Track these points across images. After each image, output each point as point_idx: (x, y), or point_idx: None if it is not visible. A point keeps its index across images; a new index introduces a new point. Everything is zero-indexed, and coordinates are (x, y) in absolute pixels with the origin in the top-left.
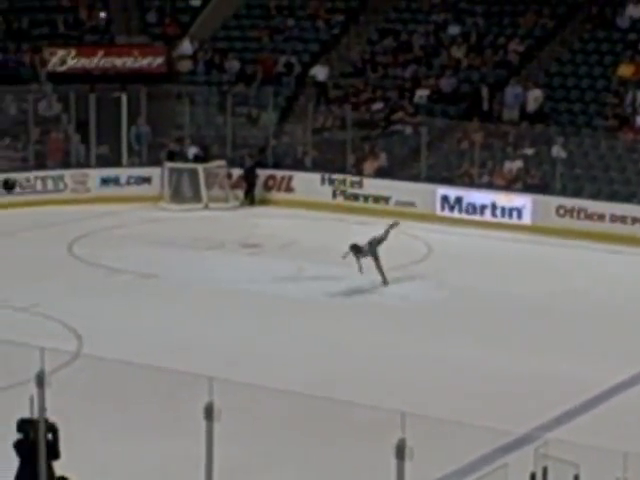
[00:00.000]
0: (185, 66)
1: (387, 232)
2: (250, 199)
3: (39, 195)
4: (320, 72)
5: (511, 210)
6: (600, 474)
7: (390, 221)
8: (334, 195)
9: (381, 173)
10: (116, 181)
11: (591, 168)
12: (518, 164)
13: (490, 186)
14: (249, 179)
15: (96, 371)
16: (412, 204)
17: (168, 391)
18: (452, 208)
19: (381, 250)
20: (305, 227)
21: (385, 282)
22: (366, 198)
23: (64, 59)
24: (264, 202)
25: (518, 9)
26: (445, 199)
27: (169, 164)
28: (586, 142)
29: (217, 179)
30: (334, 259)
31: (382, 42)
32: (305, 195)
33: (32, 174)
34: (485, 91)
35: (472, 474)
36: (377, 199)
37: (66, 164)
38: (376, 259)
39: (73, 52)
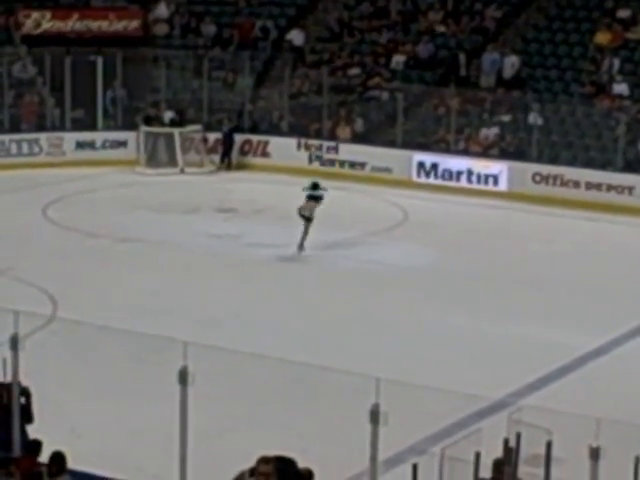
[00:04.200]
0: (161, 30)
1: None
2: (227, 164)
3: (14, 158)
4: (297, 37)
5: (487, 177)
6: (573, 440)
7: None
8: (310, 160)
9: (357, 139)
10: (91, 145)
11: (567, 135)
12: (494, 131)
13: (466, 152)
14: (226, 143)
15: (70, 335)
16: (388, 170)
17: (142, 355)
18: (428, 174)
19: (357, 215)
20: (281, 192)
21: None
22: (342, 164)
23: (39, 22)
24: (240, 167)
25: None
26: (421, 165)
27: (145, 128)
28: (562, 109)
29: (193, 143)
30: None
31: (359, 7)
32: (281, 160)
33: (7, 137)
34: (462, 57)
35: (446, 439)
36: (353, 165)
37: (41, 127)
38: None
39: (48, 15)
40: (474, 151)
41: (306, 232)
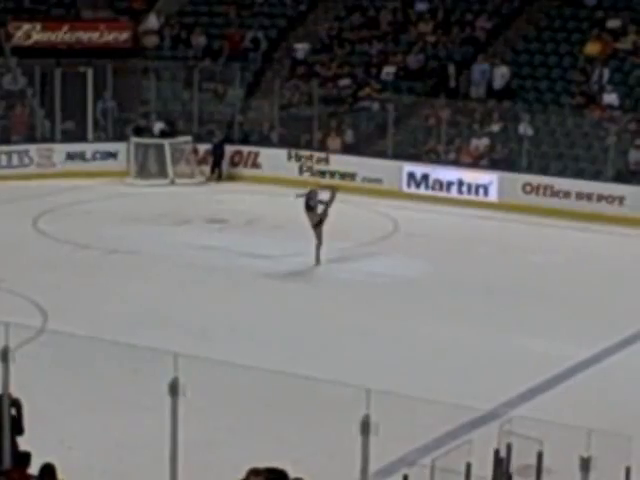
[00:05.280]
0: (151, 41)
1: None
2: (217, 175)
3: (4, 170)
4: (300, 49)
5: (477, 187)
6: (564, 451)
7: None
8: (300, 171)
9: (347, 149)
10: (82, 156)
11: (557, 145)
12: (485, 141)
13: (456, 163)
14: (217, 154)
15: (61, 346)
16: (378, 181)
17: (133, 367)
18: (418, 185)
19: (348, 226)
20: (271, 203)
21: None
22: (332, 174)
23: (29, 33)
24: (230, 178)
25: None
26: (411, 176)
27: (135, 139)
28: (553, 119)
29: (183, 154)
30: (300, 235)
31: (349, 18)
32: (271, 171)
33: None
34: (452, 68)
35: (437, 450)
36: (343, 175)
37: (31, 139)
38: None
39: (38, 26)
40: (464, 162)
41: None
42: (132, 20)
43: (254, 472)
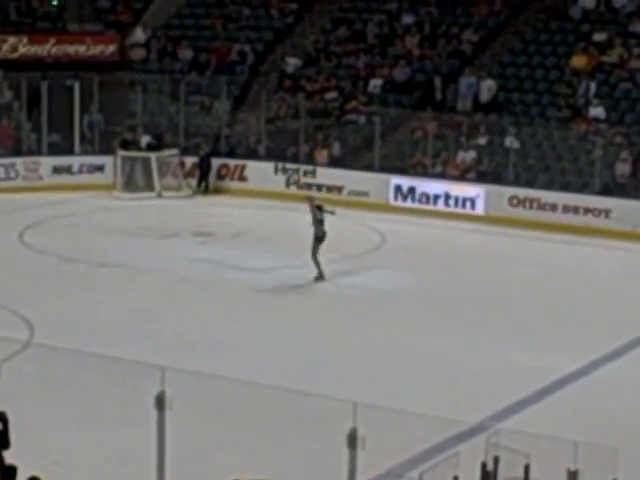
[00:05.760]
0: (138, 54)
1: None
2: (204, 188)
3: None
4: (291, 63)
5: (464, 200)
6: (551, 464)
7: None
8: (287, 184)
9: (334, 162)
10: (68, 169)
11: (544, 158)
12: (471, 154)
13: (443, 176)
14: (203, 168)
15: (47, 360)
16: (365, 194)
17: (120, 380)
18: (405, 198)
19: (334, 239)
20: (258, 216)
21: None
22: (319, 187)
23: (16, 46)
24: (217, 191)
25: None
26: (398, 189)
27: (122, 152)
28: (539, 132)
29: (170, 168)
30: (288, 248)
31: (336, 31)
32: (258, 184)
33: None
34: (438, 81)
35: (424, 463)
36: (330, 188)
37: (18, 152)
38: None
39: (25, 39)
40: (451, 175)
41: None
42: (119, 33)
43: None
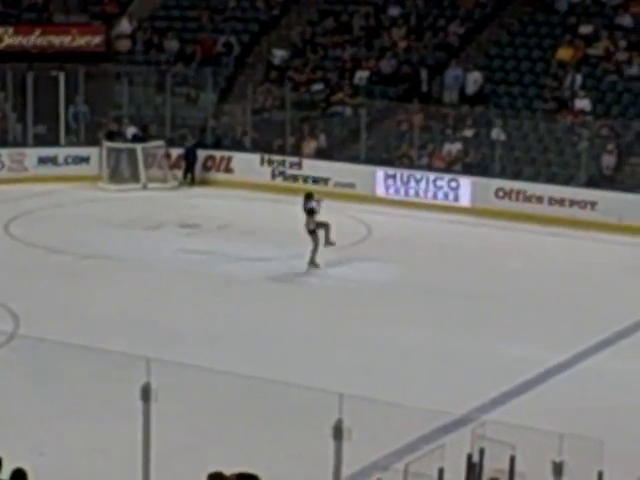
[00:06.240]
0: (124, 45)
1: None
2: (190, 179)
3: None
4: (277, 54)
5: (450, 192)
6: (536, 455)
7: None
8: (273, 176)
9: (320, 154)
10: (54, 160)
11: (530, 150)
12: (457, 146)
13: (429, 168)
14: (189, 159)
15: (33, 352)
16: (351, 185)
17: (105, 372)
18: (391, 190)
19: (320, 231)
20: (244, 208)
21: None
22: (305, 179)
23: (1, 37)
24: (203, 182)
25: None
26: (384, 180)
27: (107, 144)
28: (525, 125)
29: (156, 159)
30: (272, 240)
31: (322, 23)
32: (244, 176)
33: None
34: (424, 73)
35: (409, 455)
36: (316, 180)
37: (3, 143)
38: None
39: (10, 30)
40: (437, 166)
41: (316, 247)
42: (104, 24)
43: (212, 477)
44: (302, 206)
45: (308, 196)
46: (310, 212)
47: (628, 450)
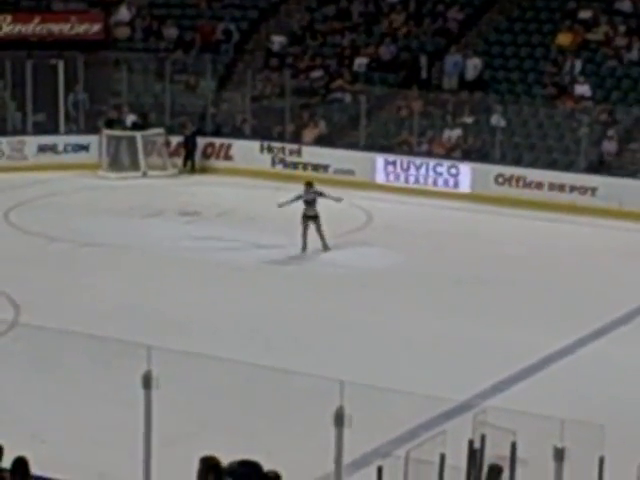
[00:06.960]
0: (123, 33)
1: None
2: (190, 167)
3: None
4: (277, 41)
5: (450, 178)
6: (537, 441)
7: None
8: (273, 163)
9: (320, 141)
10: (53, 149)
11: (530, 136)
12: (457, 132)
13: (429, 154)
14: (189, 147)
15: (34, 340)
16: (351, 172)
17: (106, 360)
18: (391, 176)
19: (321, 217)
20: (244, 195)
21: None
22: (305, 166)
23: (0, 25)
24: (203, 170)
25: None
26: (384, 167)
27: (107, 132)
28: (525, 110)
29: (155, 147)
30: (272, 227)
31: (321, 9)
32: (244, 163)
33: None
34: (424, 59)
35: (411, 442)
36: (316, 167)
37: (2, 131)
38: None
39: (9, 18)
40: (437, 153)
41: (320, 232)
42: (103, 12)
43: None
44: (303, 196)
45: (309, 184)
46: (311, 202)
47: (629, 435)
